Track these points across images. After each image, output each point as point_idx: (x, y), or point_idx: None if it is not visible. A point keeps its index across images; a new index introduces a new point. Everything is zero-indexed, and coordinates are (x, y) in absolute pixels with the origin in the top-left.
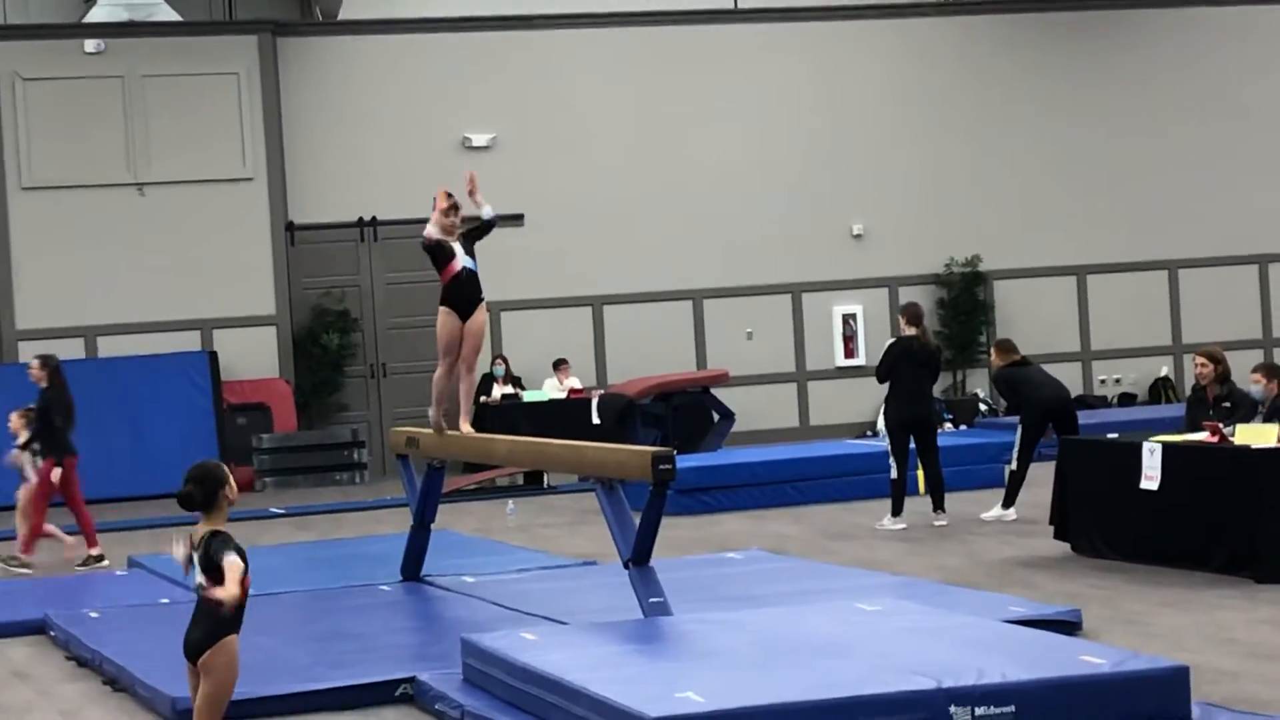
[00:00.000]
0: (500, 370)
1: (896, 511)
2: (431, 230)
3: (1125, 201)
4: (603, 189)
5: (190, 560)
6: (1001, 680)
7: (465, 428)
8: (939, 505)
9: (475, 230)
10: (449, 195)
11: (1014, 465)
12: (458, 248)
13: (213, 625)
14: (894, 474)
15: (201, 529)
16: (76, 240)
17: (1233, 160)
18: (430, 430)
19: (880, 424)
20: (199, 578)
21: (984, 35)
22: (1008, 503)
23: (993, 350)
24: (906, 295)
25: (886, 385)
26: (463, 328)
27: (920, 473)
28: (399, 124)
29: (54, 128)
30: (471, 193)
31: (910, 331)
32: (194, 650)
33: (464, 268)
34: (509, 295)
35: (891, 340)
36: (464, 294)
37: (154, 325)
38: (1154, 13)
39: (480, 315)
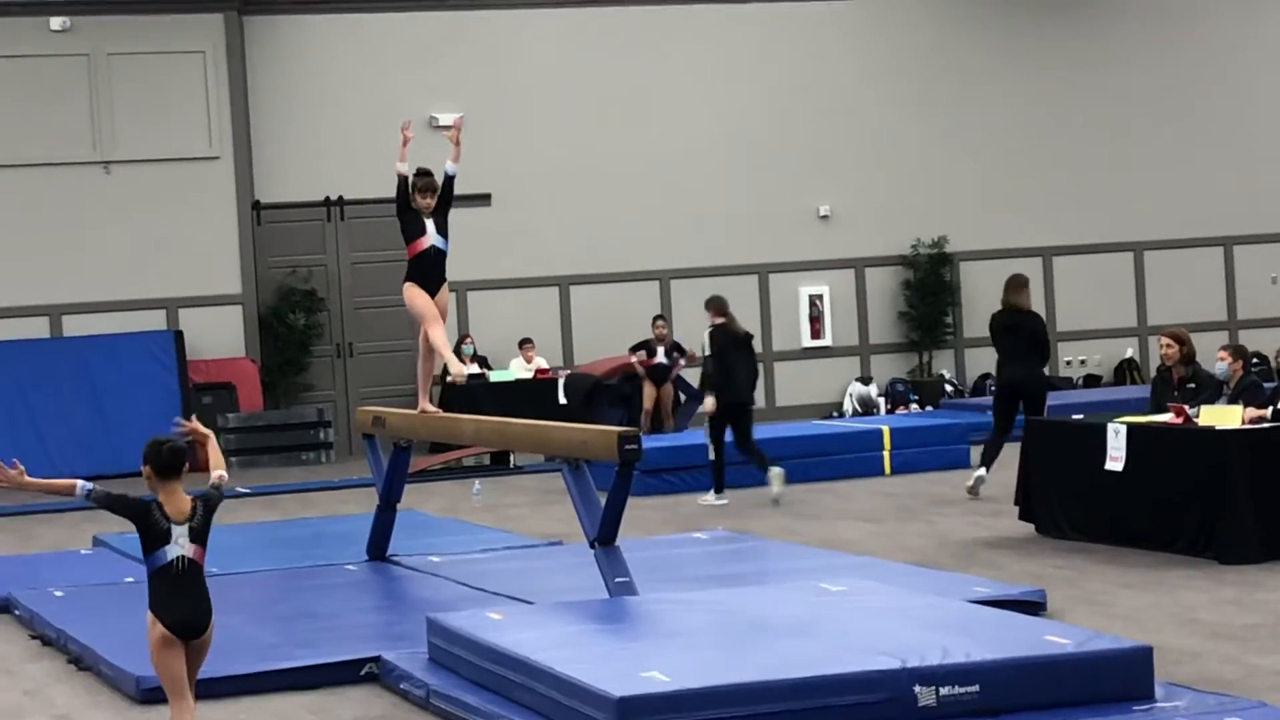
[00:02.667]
0: (469, 349)
1: (719, 490)
2: (401, 167)
3: (1090, 183)
4: (569, 168)
5: (167, 533)
6: (966, 660)
7: (427, 407)
8: (718, 488)
9: (443, 199)
10: (425, 172)
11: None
12: (429, 223)
13: (208, 598)
14: (712, 455)
15: (182, 501)
16: (41, 219)
17: (1197, 142)
18: (409, 410)
19: (849, 403)
20: (184, 549)
21: (951, 16)
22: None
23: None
24: (873, 276)
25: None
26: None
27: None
28: (365, 103)
29: (19, 105)
30: (456, 139)
31: (720, 321)
32: (203, 627)
33: (433, 246)
34: (475, 274)
35: (709, 331)
36: (429, 272)
37: (119, 304)
38: None
39: (443, 295)
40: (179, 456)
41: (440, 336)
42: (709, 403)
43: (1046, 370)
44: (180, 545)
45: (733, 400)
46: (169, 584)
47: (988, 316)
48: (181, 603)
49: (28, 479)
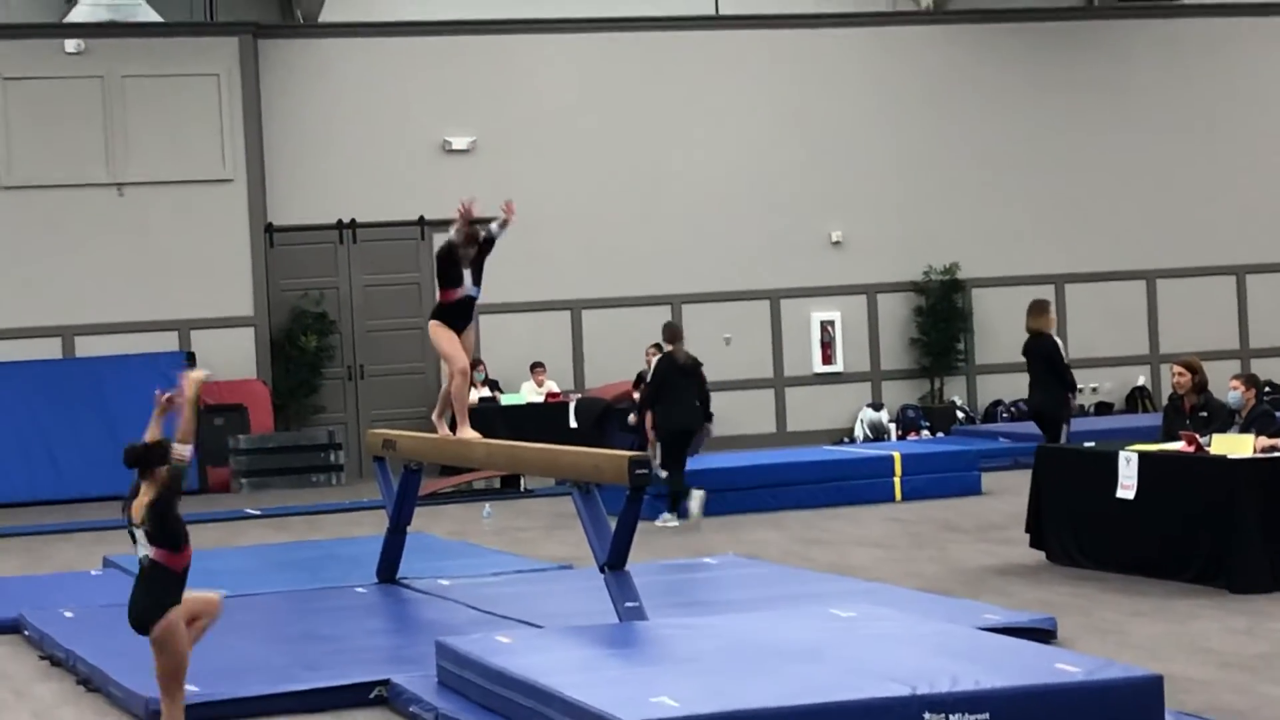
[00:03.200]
0: (480, 375)
1: (672, 509)
2: (454, 235)
3: (1103, 211)
4: (582, 193)
5: (132, 534)
6: (975, 687)
7: (468, 432)
8: (673, 508)
9: (481, 250)
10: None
11: None
12: (466, 276)
13: (159, 594)
14: (664, 475)
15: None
16: (55, 240)
17: (1210, 171)
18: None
19: (860, 429)
20: (146, 549)
21: (965, 44)
22: None
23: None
24: (885, 302)
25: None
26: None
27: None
28: (379, 127)
29: (34, 127)
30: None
31: (668, 349)
32: (140, 622)
33: (467, 295)
34: (487, 298)
35: (657, 358)
36: (458, 313)
37: (132, 325)
38: (1133, 24)
39: (470, 334)
40: (130, 455)
41: (462, 393)
42: (648, 430)
43: (1072, 395)
44: (142, 546)
45: (672, 426)
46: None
47: (999, 343)
48: (133, 597)
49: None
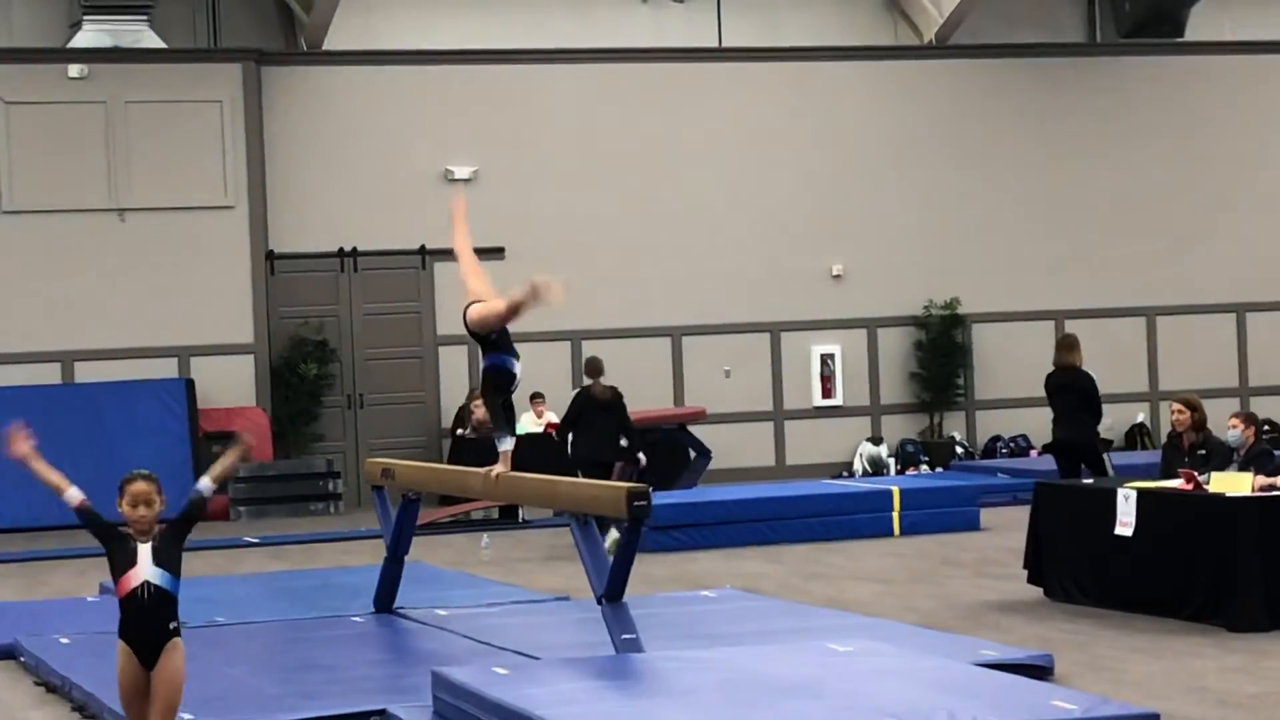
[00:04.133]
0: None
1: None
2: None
3: (1103, 248)
4: (583, 224)
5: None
6: None
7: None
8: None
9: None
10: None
11: None
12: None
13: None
14: None
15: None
16: (56, 265)
17: (1211, 208)
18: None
19: (859, 463)
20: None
21: (967, 79)
22: None
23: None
24: (885, 336)
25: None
26: None
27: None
28: (381, 155)
29: (36, 152)
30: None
31: (586, 383)
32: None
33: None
34: None
35: (575, 393)
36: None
37: (132, 351)
38: (1134, 60)
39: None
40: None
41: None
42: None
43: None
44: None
45: (583, 458)
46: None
47: (998, 379)
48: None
49: (33, 455)
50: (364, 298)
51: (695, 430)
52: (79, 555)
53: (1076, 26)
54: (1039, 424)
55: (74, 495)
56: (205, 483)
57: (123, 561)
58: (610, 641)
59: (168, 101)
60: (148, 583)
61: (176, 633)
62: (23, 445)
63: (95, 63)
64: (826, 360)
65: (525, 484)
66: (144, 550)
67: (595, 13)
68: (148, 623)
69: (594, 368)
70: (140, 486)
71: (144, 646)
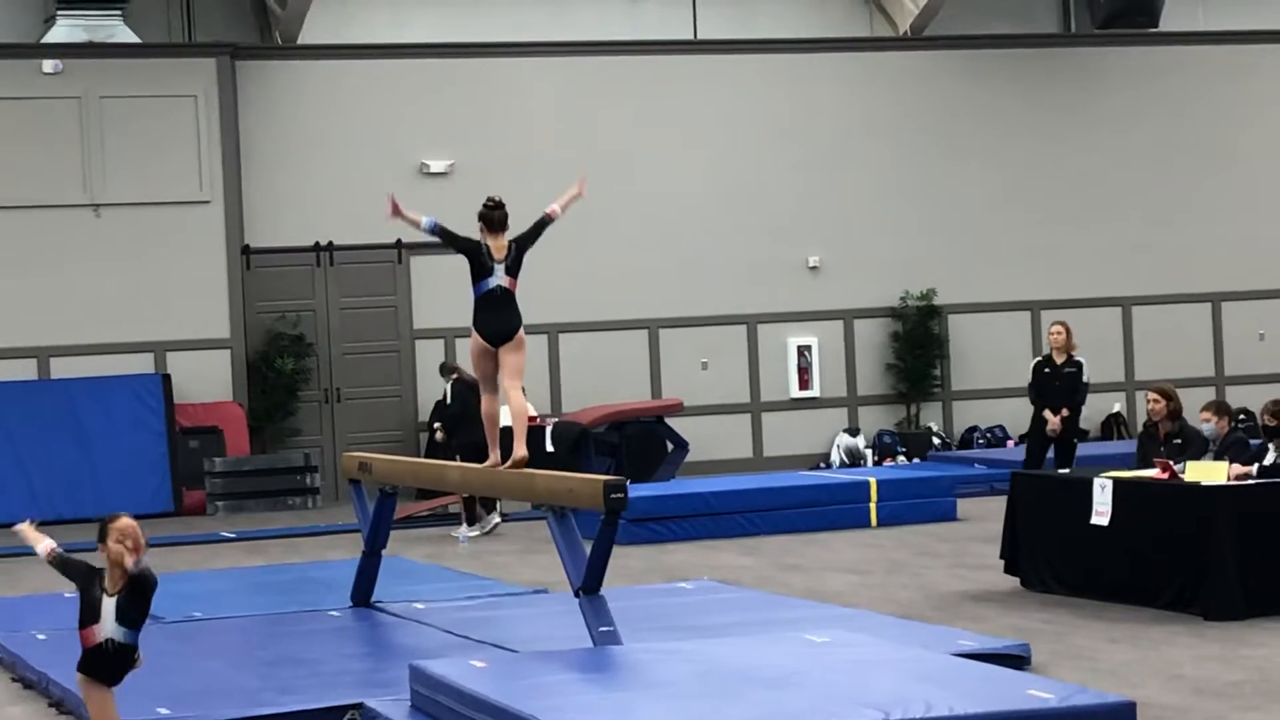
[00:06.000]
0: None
1: (471, 522)
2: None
3: (1080, 238)
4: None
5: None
6: (949, 713)
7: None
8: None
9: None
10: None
11: None
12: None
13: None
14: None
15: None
16: (31, 260)
17: (1186, 198)
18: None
19: (836, 454)
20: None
21: (943, 70)
22: None
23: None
24: (861, 328)
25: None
26: (496, 353)
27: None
28: (356, 149)
29: (9, 147)
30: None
31: (455, 375)
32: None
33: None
34: (464, 321)
35: (454, 383)
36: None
37: (107, 347)
38: (1110, 51)
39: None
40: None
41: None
42: (440, 437)
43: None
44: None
45: (471, 442)
46: None
47: (975, 369)
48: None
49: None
50: (340, 292)
51: (673, 422)
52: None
53: (1051, 17)
54: (1016, 414)
55: (45, 547)
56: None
57: (87, 613)
58: (588, 634)
59: (142, 96)
60: (111, 640)
61: (136, 664)
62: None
63: (69, 58)
64: (803, 352)
65: (503, 476)
66: (108, 606)
67: (570, 6)
68: (111, 669)
69: (456, 367)
70: (126, 524)
71: (107, 681)
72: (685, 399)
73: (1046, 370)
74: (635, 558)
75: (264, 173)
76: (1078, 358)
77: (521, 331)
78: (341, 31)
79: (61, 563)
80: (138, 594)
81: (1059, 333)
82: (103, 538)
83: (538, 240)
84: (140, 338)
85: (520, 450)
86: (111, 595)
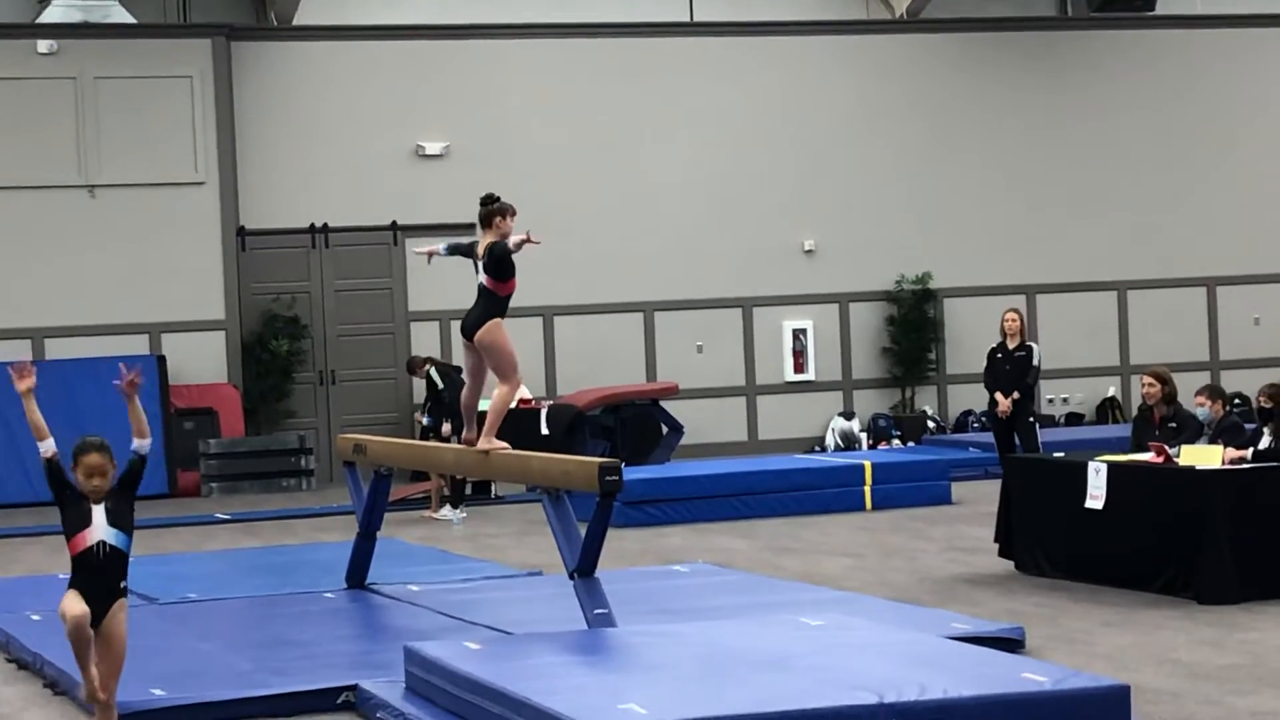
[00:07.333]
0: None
1: (455, 504)
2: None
3: (1075, 222)
4: (555, 199)
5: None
6: (943, 696)
7: (488, 443)
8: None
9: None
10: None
11: None
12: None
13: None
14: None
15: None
16: (26, 241)
17: (1182, 182)
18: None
19: (831, 438)
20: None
21: (940, 54)
22: None
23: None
24: (857, 311)
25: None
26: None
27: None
28: (352, 131)
29: (5, 128)
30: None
31: (430, 364)
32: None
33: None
34: (459, 304)
35: (433, 372)
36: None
37: (102, 328)
38: (1106, 34)
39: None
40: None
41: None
42: (446, 429)
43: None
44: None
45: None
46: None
47: (970, 353)
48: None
49: (30, 394)
50: (335, 274)
51: (668, 406)
52: (50, 533)
53: (1048, 0)
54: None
55: (48, 447)
56: (138, 442)
57: (77, 520)
58: (583, 616)
59: (137, 77)
60: (103, 542)
61: (124, 592)
62: (28, 380)
63: (64, 38)
64: (799, 335)
65: (498, 459)
66: (98, 511)
67: None
68: (101, 579)
69: (419, 362)
70: (94, 460)
71: (95, 601)
72: (680, 382)
73: (999, 355)
74: (630, 540)
75: (259, 154)
76: (1029, 343)
77: (486, 332)
78: (337, 13)
79: (55, 470)
80: (126, 490)
81: (1013, 320)
82: (75, 466)
83: (500, 263)
84: (135, 319)
85: (483, 441)
86: (98, 502)
